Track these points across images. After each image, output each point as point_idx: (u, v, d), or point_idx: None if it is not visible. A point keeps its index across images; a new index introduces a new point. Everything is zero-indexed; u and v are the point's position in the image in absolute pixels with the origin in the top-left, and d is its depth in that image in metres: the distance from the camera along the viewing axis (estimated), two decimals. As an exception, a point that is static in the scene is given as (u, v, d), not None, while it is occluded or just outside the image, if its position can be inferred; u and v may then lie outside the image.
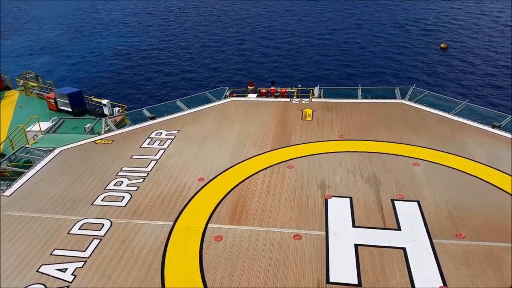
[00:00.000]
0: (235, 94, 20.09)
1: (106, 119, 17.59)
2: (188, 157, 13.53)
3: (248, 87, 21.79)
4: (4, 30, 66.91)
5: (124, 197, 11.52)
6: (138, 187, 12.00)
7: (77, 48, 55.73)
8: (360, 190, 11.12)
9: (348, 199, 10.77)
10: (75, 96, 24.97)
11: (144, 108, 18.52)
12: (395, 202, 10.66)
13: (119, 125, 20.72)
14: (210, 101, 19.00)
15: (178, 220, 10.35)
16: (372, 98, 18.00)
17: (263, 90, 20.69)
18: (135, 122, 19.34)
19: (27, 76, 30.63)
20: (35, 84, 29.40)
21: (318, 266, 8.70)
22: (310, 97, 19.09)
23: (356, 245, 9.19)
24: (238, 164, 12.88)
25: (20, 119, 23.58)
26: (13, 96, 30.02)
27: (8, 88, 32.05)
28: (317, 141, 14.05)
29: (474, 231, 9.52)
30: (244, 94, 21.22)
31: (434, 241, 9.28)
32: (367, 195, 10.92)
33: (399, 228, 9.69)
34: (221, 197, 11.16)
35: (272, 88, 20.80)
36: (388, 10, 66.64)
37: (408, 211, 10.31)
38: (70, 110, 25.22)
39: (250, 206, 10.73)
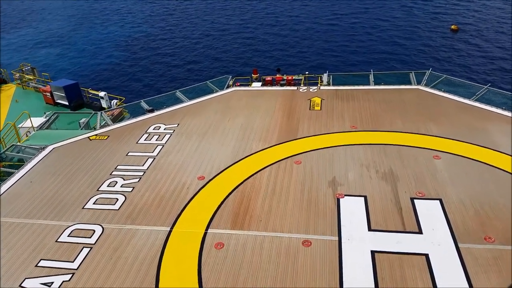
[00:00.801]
0: (238, 83, 19.18)
1: (101, 113, 16.82)
2: (187, 153, 12.73)
3: (252, 75, 20.85)
4: (5, 23, 66.65)
5: (117, 199, 10.78)
6: (133, 187, 11.24)
7: (79, 39, 55.27)
8: (375, 188, 10.23)
9: (363, 198, 9.90)
10: (72, 89, 24.22)
11: (142, 101, 17.75)
12: (415, 201, 9.77)
13: (117, 118, 19.97)
14: (211, 91, 18.14)
15: (176, 225, 9.58)
16: (385, 84, 16.98)
17: (268, 78, 19.76)
18: (134, 115, 18.61)
19: (23, 69, 29.95)
20: (31, 77, 28.72)
21: (331, 276, 7.89)
22: (319, 85, 18.13)
23: (372, 252, 8.35)
24: (242, 160, 12.05)
25: (16, 114, 22.94)
26: (9, 90, 29.41)
27: (5, 82, 31.45)
28: (327, 133, 13.14)
29: (505, 234, 8.61)
30: (248, 83, 20.32)
31: (460, 245, 8.40)
32: (384, 193, 10.04)
33: (420, 231, 8.81)
34: (223, 198, 10.36)
35: (277, 75, 19.84)
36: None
37: (429, 211, 9.42)
38: (67, 103, 24.49)
39: (254, 207, 9.92)
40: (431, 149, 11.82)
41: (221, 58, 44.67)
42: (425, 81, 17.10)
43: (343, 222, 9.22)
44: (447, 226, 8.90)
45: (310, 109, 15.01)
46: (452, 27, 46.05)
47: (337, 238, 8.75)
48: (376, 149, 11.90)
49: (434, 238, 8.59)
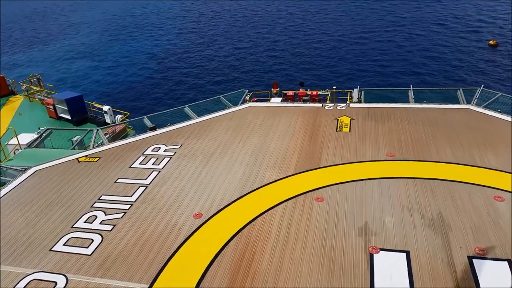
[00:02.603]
0: (255, 99, 17.33)
1: (98, 130, 15.25)
2: (186, 182, 10.85)
3: (272, 89, 18.96)
4: (44, 36, 69.38)
5: (92, 241, 8.96)
6: (114, 225, 9.41)
7: (110, 52, 56.38)
8: (421, 240, 8.01)
9: (404, 254, 7.69)
10: (75, 102, 22.95)
11: (145, 117, 16.13)
12: (474, 260, 7.48)
13: (120, 135, 18.48)
14: (224, 107, 16.39)
15: (157, 281, 7.63)
16: (428, 102, 14.73)
17: (290, 93, 17.84)
18: (139, 132, 17.13)
19: (32, 80, 29.18)
20: (37, 89, 27.82)
21: None
22: (348, 102, 16.05)
23: (420, 338, 6.15)
24: (250, 194, 10.05)
25: (17, 128, 21.87)
26: (16, 101, 28.69)
27: (13, 93, 30.82)
28: (357, 162, 11.01)
29: None
30: (267, 98, 18.47)
31: (547, 334, 6.09)
32: (432, 248, 7.80)
33: (485, 307, 6.55)
34: (222, 245, 8.37)
35: (300, 90, 17.87)
36: (427, 7, 62.66)
37: (495, 276, 7.13)
38: (70, 118, 23.24)
39: (260, 261, 7.87)
40: (490, 187, 9.50)
41: (248, 71, 43.60)
42: (476, 99, 14.81)
43: (378, 286, 7.05)
44: (524, 302, 6.60)
45: (337, 131, 12.95)
46: (491, 42, 43.42)
47: (369, 314, 6.59)
48: (420, 186, 9.68)
49: (509, 322, 6.30)
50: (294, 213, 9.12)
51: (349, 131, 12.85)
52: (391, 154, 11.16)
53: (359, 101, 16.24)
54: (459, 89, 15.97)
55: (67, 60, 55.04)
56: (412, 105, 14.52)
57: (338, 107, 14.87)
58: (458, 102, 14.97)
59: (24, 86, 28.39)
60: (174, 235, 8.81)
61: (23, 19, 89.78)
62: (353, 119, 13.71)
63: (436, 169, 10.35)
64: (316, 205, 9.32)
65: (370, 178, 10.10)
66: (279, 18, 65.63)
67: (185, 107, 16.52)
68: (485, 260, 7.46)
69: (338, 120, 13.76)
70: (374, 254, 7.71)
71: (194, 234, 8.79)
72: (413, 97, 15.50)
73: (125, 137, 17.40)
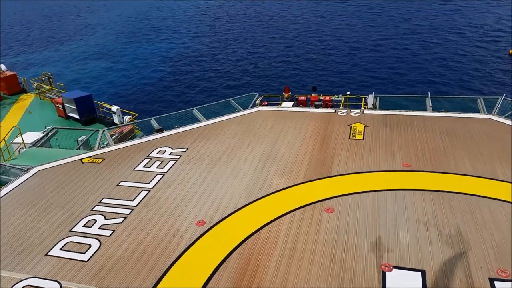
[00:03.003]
0: (266, 102, 16.93)
1: (104, 130, 15.00)
2: (190, 187, 10.48)
3: (283, 93, 18.55)
4: (61, 36, 70.76)
5: (90, 246, 8.63)
6: (114, 230, 9.07)
7: (124, 54, 57.30)
8: (438, 258, 7.50)
9: (419, 273, 7.19)
10: (84, 102, 22.81)
11: (152, 118, 15.83)
12: (496, 283, 6.95)
13: (127, 137, 18.24)
14: (234, 110, 16.03)
15: (154, 292, 7.25)
16: (446, 111, 14.16)
17: (302, 97, 17.41)
18: (147, 133, 16.90)
19: (43, 78, 29.22)
20: (48, 87, 27.83)
21: None
22: (362, 108, 15.56)
23: None
24: (256, 202, 9.63)
25: (25, 127, 21.81)
26: (27, 100, 28.73)
27: (25, 91, 30.93)
28: (370, 171, 10.52)
29: None
30: (278, 102, 18.05)
31: None
32: (450, 267, 7.28)
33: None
34: (224, 255, 7.96)
35: (312, 95, 17.43)
36: (444, 16, 61.87)
37: (520, 301, 6.60)
38: (78, 117, 23.11)
39: (264, 274, 7.43)
40: (514, 202, 8.95)
41: (260, 75, 43.45)
42: (497, 109, 14.19)
43: (390, 309, 6.56)
44: (553, 332, 6.05)
45: (350, 138, 12.47)
46: (511, 52, 42.42)
47: None
48: (437, 199, 9.15)
49: None
50: (302, 224, 8.67)
51: (363, 138, 12.37)
52: (407, 164, 10.64)
53: (374, 108, 15.75)
54: (479, 98, 15.39)
55: (82, 60, 55.69)
56: (429, 113, 13.98)
57: (352, 113, 14.40)
58: (478, 112, 14.39)
59: (35, 84, 28.44)
60: (175, 244, 8.43)
61: (42, 19, 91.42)
62: (367, 126, 13.22)
63: (454, 181, 9.81)
64: (325, 216, 8.85)
65: (384, 190, 9.61)
66: (294, 23, 65.42)
67: (193, 109, 16.20)
68: (509, 283, 6.92)
69: (351, 127, 13.29)
70: (387, 272, 7.22)
71: (196, 243, 8.40)
72: (430, 105, 14.96)
73: (132, 138, 17.14)
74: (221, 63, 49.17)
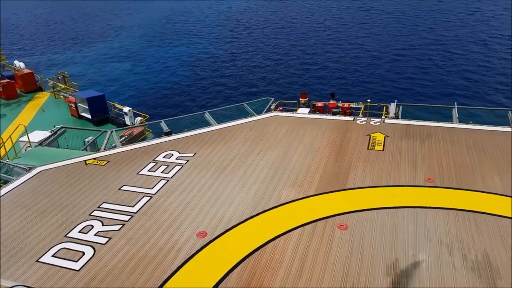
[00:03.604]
0: (281, 108, 16.34)
1: (112, 131, 14.63)
2: (194, 195, 9.95)
3: (300, 99, 17.93)
4: (85, 38, 72.59)
5: (83, 254, 8.16)
6: (110, 238, 8.58)
7: (144, 57, 58.30)
8: (462, 286, 6.75)
9: (441, 303, 6.46)
10: (96, 102, 22.62)
11: (162, 120, 15.42)
12: (530, 318, 6.18)
13: (137, 138, 17.88)
14: (247, 115, 15.50)
15: (145, 310, 6.70)
16: (474, 123, 13.31)
17: (319, 104, 16.75)
18: (158, 135, 16.51)
19: (59, 77, 29.31)
20: (63, 86, 27.86)
21: None
22: (383, 117, 14.82)
23: None
24: (263, 214, 9.02)
25: (37, 125, 21.75)
26: (42, 98, 28.83)
27: (41, 90, 31.10)
28: (389, 186, 9.80)
29: None
30: (294, 108, 17.44)
31: None
32: (477, 298, 6.54)
33: None
34: (224, 272, 7.37)
35: (331, 102, 16.76)
36: (471, 26, 60.35)
37: None
38: (90, 117, 22.93)
39: (267, 295, 6.81)
40: (549, 226, 8.12)
41: (278, 82, 43.02)
42: (529, 122, 13.29)
43: None
44: None
45: (368, 148, 11.77)
46: None
47: None
48: (463, 219, 8.39)
49: None
50: (312, 240, 8.02)
51: (383, 149, 11.65)
52: (430, 179, 9.88)
53: (396, 117, 14.99)
54: (509, 110, 14.48)
55: (103, 61, 56.64)
56: (456, 125, 13.17)
57: (372, 122, 13.69)
58: (508, 125, 13.49)
59: (51, 83, 28.54)
60: (173, 256, 7.88)
61: (69, 20, 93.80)
62: (387, 136, 12.49)
63: (482, 200, 9.02)
64: (338, 233, 8.18)
65: (404, 206, 8.89)
66: (317, 30, 64.99)
67: (205, 113, 15.74)
68: (543, 320, 6.13)
69: (370, 136, 12.58)
70: (404, 301, 6.51)
71: (195, 256, 7.84)
72: (457, 116, 14.12)
73: (142, 140, 16.76)
74: (240, 68, 49.00)
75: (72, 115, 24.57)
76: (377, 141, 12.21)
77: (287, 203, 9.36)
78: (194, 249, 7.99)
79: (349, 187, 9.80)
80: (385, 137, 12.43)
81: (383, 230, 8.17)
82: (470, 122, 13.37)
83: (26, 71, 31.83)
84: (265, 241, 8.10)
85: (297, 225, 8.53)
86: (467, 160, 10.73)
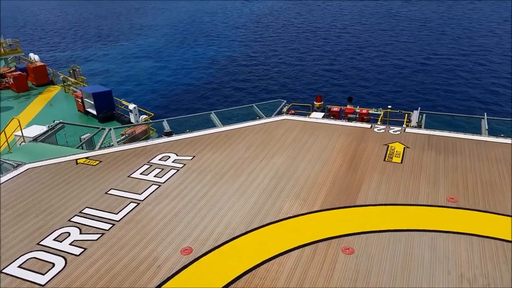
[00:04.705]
0: (293, 111, 15.40)
1: (111, 129, 13.95)
2: (185, 204, 9.10)
3: (315, 102, 16.93)
4: (117, 35, 74.00)
5: (53, 266, 7.40)
6: (85, 249, 7.80)
7: (166, 56, 58.62)
8: (487, 335, 5.69)
9: None
10: (102, 97, 22.05)
11: (164, 120, 14.71)
12: None
13: (140, 137, 17.20)
14: (256, 117, 14.65)
15: None
16: (506, 136, 12.10)
17: (335, 108, 15.74)
18: (161, 135, 15.80)
19: (70, 71, 29.04)
20: (73, 80, 27.52)
21: None
22: (404, 125, 13.72)
23: None
24: (259, 229, 8.10)
25: (42, 119, 21.37)
26: (52, 92, 28.60)
27: (53, 83, 30.92)
28: (406, 204, 8.75)
29: None
30: (307, 112, 16.47)
31: None
32: None
33: None
34: (206, 298, 6.47)
35: (347, 106, 15.72)
36: (506, 34, 58.31)
37: None
38: (96, 113, 22.39)
39: (251, 330, 5.89)
40: None
41: (298, 86, 42.27)
42: None
43: None
44: None
45: (385, 160, 10.72)
46: None
47: None
48: (490, 249, 7.28)
49: None
50: (311, 265, 7.06)
51: (401, 162, 10.58)
52: (453, 199, 8.78)
53: (419, 126, 13.87)
54: (547, 123, 13.22)
55: (125, 59, 57.45)
56: (485, 138, 11.98)
57: (391, 131, 12.61)
58: (546, 140, 12.22)
59: (61, 76, 28.24)
60: (151, 274, 7.04)
61: (97, 18, 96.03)
62: (407, 147, 11.42)
63: (510, 225, 7.89)
64: (342, 257, 7.19)
65: (420, 230, 7.83)
66: (342, 34, 64.19)
67: (211, 113, 14.93)
68: None
69: (388, 146, 11.52)
70: None
71: (175, 277, 6.96)
72: (487, 128, 12.93)
73: (147, 138, 16.07)
74: (258, 71, 48.71)
75: (79, 110, 24.14)
76: (395, 152, 11.15)
77: (287, 218, 8.41)
78: (175, 268, 7.12)
79: (359, 204, 8.78)
80: (404, 148, 11.36)
81: (394, 257, 7.14)
82: (502, 135, 12.15)
83: (39, 64, 31.71)
84: (258, 263, 7.17)
85: (296, 245, 7.57)
86: (496, 178, 9.58)
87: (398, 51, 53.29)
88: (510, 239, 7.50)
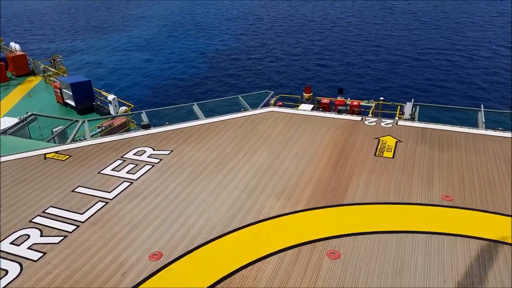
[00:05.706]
0: (281, 103, 14.75)
1: (85, 121, 13.21)
2: (157, 203, 8.44)
3: (304, 94, 16.28)
4: (107, 27, 74.31)
5: (7, 273, 6.72)
6: (45, 253, 7.12)
7: (161, 47, 58.32)
8: None
9: None
10: (81, 88, 21.19)
11: (143, 111, 13.98)
12: None
13: (119, 130, 16.45)
14: (241, 109, 14.00)
15: None
16: (504, 130, 11.55)
17: (325, 100, 15.10)
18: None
19: (51, 61, 28.11)
20: (54, 70, 26.61)
21: None
22: (397, 118, 13.13)
23: None
24: (237, 231, 7.47)
25: (19, 111, 20.50)
26: (32, 82, 27.67)
27: (34, 73, 29.96)
28: (397, 203, 8.16)
29: None
30: (296, 104, 15.83)
31: None
32: None
33: None
34: (174, 310, 5.84)
35: (338, 98, 15.09)
36: (497, 28, 58.26)
37: None
38: (75, 105, 21.56)
39: None
40: None
41: (289, 78, 41.80)
42: None
43: None
44: None
45: (376, 155, 10.13)
46: None
47: None
48: (489, 251, 6.73)
49: None
50: (293, 271, 6.45)
51: (393, 157, 10.00)
52: (448, 197, 8.21)
53: (412, 119, 13.31)
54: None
55: (119, 51, 56.69)
56: (482, 131, 11.44)
57: (383, 124, 12.03)
58: (545, 133, 11.71)
59: (42, 66, 27.31)
60: (114, 282, 6.38)
61: (93, 10, 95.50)
62: (400, 141, 10.83)
63: (510, 226, 7.35)
64: (327, 263, 6.59)
65: (413, 231, 7.26)
66: (335, 27, 63.80)
67: (193, 104, 14.25)
68: None
69: (379, 140, 10.94)
70: None
71: (142, 285, 6.31)
72: (483, 120, 12.39)
73: (127, 131, 15.35)
74: (255, 62, 48.11)
75: (58, 101, 23.27)
76: (386, 146, 10.56)
77: (269, 219, 7.79)
78: (141, 276, 6.47)
79: (347, 203, 8.19)
80: (396, 142, 10.78)
81: (384, 261, 6.55)
82: (500, 128, 11.61)
83: (19, 53, 30.66)
84: (233, 270, 6.54)
85: (277, 249, 6.96)
86: (494, 175, 9.03)
87: (391, 44, 53.01)
88: (510, 242, 6.95)
